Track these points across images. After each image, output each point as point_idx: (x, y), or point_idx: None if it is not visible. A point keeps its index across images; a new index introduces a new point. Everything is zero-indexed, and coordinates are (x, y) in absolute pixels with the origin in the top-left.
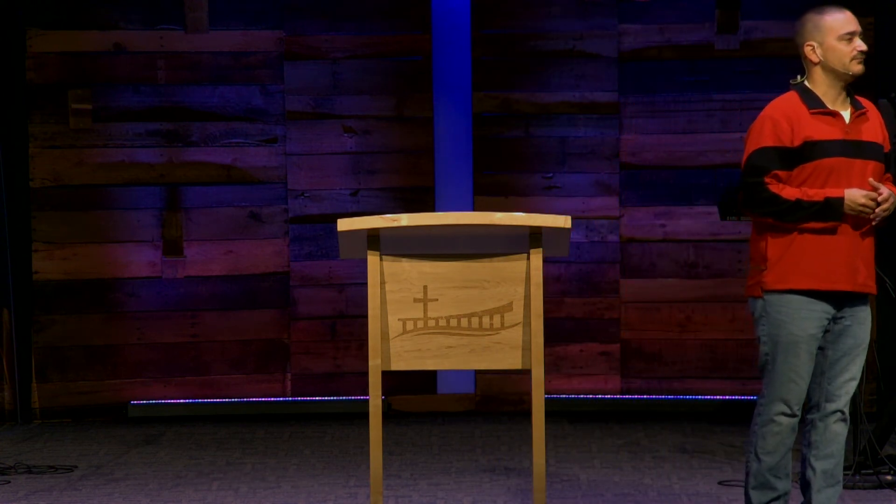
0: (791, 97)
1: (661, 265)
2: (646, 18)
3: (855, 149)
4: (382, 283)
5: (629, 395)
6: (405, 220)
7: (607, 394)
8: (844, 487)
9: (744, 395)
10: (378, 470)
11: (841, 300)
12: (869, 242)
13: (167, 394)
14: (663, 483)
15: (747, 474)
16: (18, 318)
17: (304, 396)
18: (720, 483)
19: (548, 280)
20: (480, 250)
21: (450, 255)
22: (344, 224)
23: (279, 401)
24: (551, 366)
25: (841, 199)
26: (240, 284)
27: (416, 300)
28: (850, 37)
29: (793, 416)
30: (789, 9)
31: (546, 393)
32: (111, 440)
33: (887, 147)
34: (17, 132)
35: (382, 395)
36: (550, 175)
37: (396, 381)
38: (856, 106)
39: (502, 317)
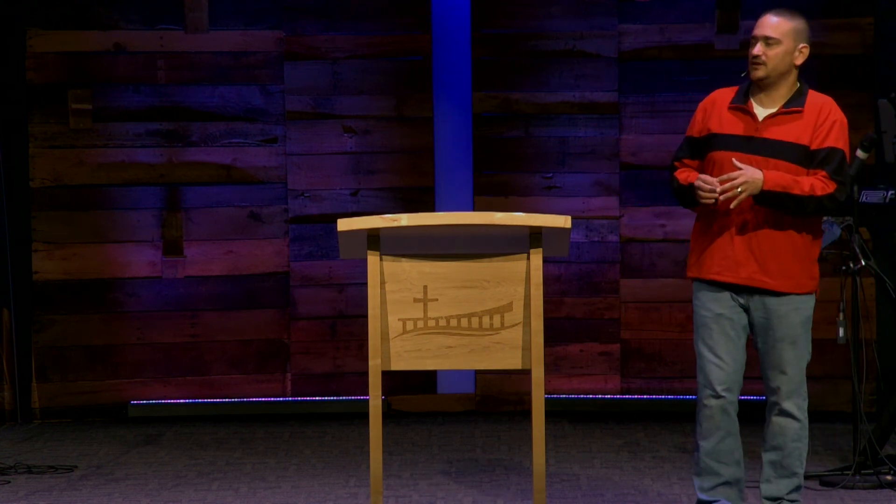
0: (729, 90)
1: (661, 265)
2: (646, 18)
3: (759, 146)
4: (382, 283)
5: (629, 395)
6: (405, 220)
7: (607, 394)
8: (844, 487)
9: (743, 395)
10: (378, 470)
11: (743, 291)
12: (771, 237)
13: (167, 394)
14: (663, 483)
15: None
16: (18, 318)
17: (304, 396)
18: None
19: (548, 280)
20: (480, 250)
21: (450, 255)
22: (344, 224)
23: (279, 401)
24: (551, 366)
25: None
26: (240, 284)
27: (416, 300)
28: (754, 41)
29: (718, 397)
30: (789, 9)
31: (546, 393)
32: (111, 440)
33: (816, 146)
34: (17, 132)
35: (382, 395)
36: (550, 175)
37: (396, 381)
38: (792, 105)
39: (502, 317)
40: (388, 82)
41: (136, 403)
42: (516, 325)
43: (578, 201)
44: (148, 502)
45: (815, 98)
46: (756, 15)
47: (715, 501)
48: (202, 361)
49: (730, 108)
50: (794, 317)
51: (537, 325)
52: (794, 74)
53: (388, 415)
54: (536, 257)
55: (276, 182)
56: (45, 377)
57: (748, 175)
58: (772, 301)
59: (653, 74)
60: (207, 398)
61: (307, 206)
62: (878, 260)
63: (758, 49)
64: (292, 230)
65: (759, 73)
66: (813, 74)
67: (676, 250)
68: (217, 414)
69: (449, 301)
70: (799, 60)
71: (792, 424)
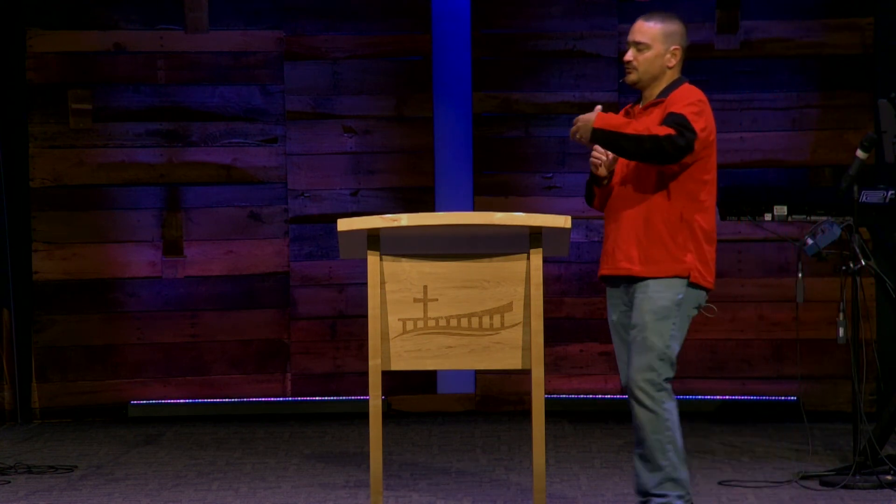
0: None
1: None
2: None
3: None
4: (382, 283)
5: None
6: (405, 220)
7: (607, 394)
8: (844, 487)
9: (744, 395)
10: (378, 470)
11: (621, 282)
12: (635, 224)
13: (167, 394)
14: None
15: None
16: (18, 318)
17: (304, 396)
18: (720, 483)
19: (548, 280)
20: (480, 250)
21: (450, 255)
22: (344, 224)
23: (279, 401)
24: (551, 366)
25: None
26: (240, 284)
27: (416, 300)
28: (627, 46)
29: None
30: (789, 9)
31: (546, 393)
32: (111, 440)
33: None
34: (17, 132)
35: (382, 395)
36: (550, 175)
37: (396, 381)
38: (660, 97)
39: (502, 317)
40: (388, 82)
41: (136, 403)
42: (516, 325)
43: (578, 201)
44: (148, 502)
45: (681, 89)
46: (756, 15)
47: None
48: (202, 361)
49: (629, 109)
50: (648, 303)
51: (537, 325)
52: (668, 76)
53: (388, 415)
54: (536, 257)
55: (276, 182)
56: (45, 377)
57: (582, 118)
58: (635, 287)
59: None
60: (207, 398)
61: (307, 206)
62: (878, 260)
63: (629, 55)
64: (292, 230)
65: (632, 77)
66: (813, 74)
67: None
68: (217, 414)
69: (449, 301)
70: (671, 63)
71: (646, 415)
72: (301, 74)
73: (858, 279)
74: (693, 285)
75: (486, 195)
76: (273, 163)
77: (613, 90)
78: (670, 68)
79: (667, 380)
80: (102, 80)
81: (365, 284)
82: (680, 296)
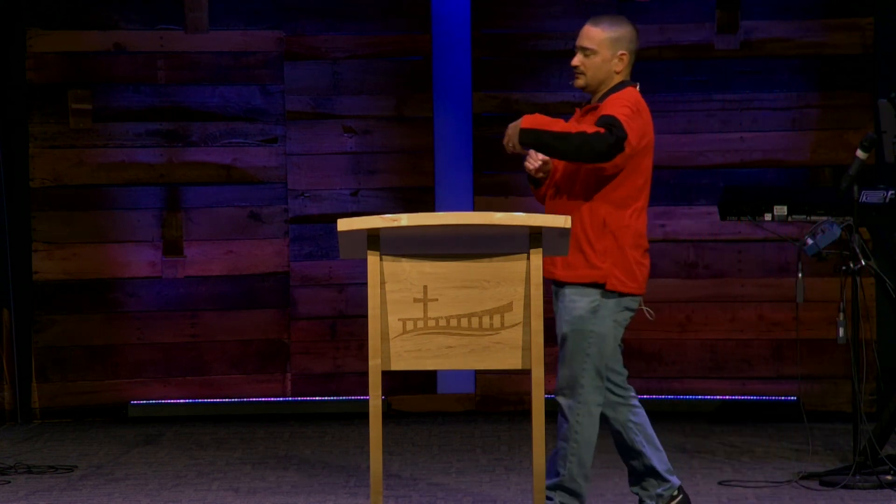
0: None
1: (661, 265)
2: (646, 18)
3: None
4: (382, 283)
5: None
6: (405, 220)
7: None
8: (844, 487)
9: (744, 395)
10: (378, 470)
11: (554, 287)
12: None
13: (167, 394)
14: None
15: None
16: (18, 318)
17: (304, 396)
18: (720, 483)
19: (548, 280)
20: (480, 250)
21: (450, 255)
22: (344, 224)
23: (279, 401)
24: (551, 366)
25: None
26: (240, 284)
27: (416, 300)
28: (575, 51)
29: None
30: (789, 9)
31: (546, 393)
32: (111, 440)
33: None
34: (17, 132)
35: (382, 395)
36: None
37: (396, 381)
38: (600, 100)
39: (502, 317)
40: (388, 82)
41: (136, 403)
42: (516, 325)
43: None
44: (148, 502)
45: (620, 93)
46: (756, 15)
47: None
48: (202, 361)
49: (578, 109)
50: (566, 313)
51: (537, 325)
52: (616, 80)
53: (388, 415)
54: (536, 257)
55: (276, 182)
56: (45, 377)
57: (512, 124)
58: (557, 291)
59: (652, 74)
60: (207, 398)
61: (307, 206)
62: (878, 260)
63: (576, 60)
64: (292, 230)
65: (580, 81)
66: (813, 74)
67: (676, 250)
68: (217, 414)
69: (449, 301)
70: (618, 67)
71: (561, 421)
72: (301, 74)
73: (858, 279)
74: (611, 293)
75: (486, 195)
76: (273, 163)
77: None
78: (618, 73)
79: (585, 393)
80: (102, 80)
81: (365, 284)
82: (595, 303)
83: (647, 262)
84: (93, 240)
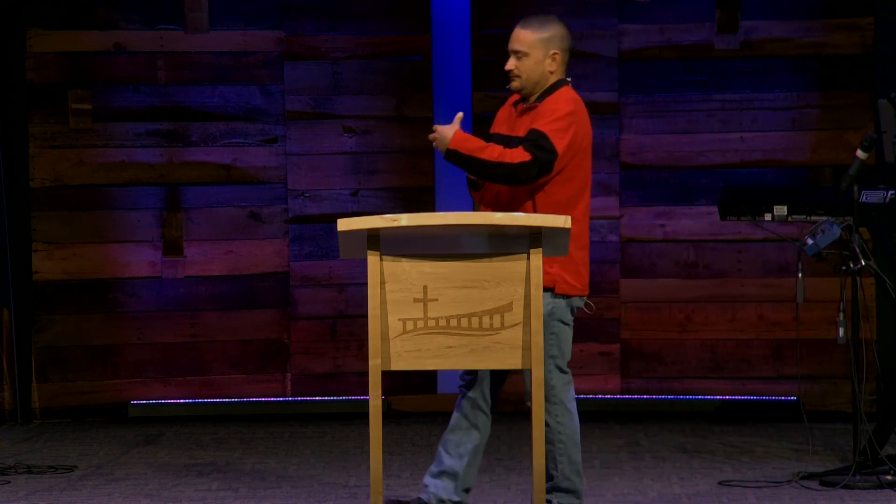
0: None
1: (661, 265)
2: (646, 18)
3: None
4: (382, 283)
5: (629, 395)
6: (405, 220)
7: (607, 394)
8: (844, 487)
9: (744, 395)
10: (378, 470)
11: None
12: None
13: (167, 394)
14: (663, 483)
15: None
16: (18, 318)
17: (304, 396)
18: (720, 483)
19: None
20: (480, 250)
21: (450, 255)
22: (344, 224)
23: (279, 401)
24: None
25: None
26: (240, 284)
27: (416, 300)
28: (508, 54)
29: (460, 386)
30: (789, 9)
31: None
32: (111, 440)
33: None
34: (17, 132)
35: (382, 395)
36: None
37: (396, 381)
38: (535, 102)
39: (502, 317)
40: (388, 82)
41: (136, 403)
42: (516, 325)
43: None
44: (148, 502)
45: (556, 95)
46: (756, 15)
47: (426, 486)
48: (202, 361)
49: (511, 107)
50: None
51: (537, 325)
52: (551, 80)
53: (388, 415)
54: (536, 257)
55: (276, 182)
56: (45, 377)
57: (441, 131)
58: None
59: (652, 74)
60: (207, 398)
61: (307, 206)
62: (878, 260)
63: (509, 64)
64: (292, 230)
65: (515, 84)
66: (813, 74)
67: (676, 250)
68: (217, 414)
69: (449, 301)
70: (552, 67)
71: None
72: (301, 74)
73: (858, 279)
74: (561, 296)
75: None
76: (273, 163)
77: (613, 90)
78: (552, 72)
79: (558, 393)
80: (102, 80)
81: (365, 284)
82: (548, 307)
83: (588, 260)
84: (93, 240)
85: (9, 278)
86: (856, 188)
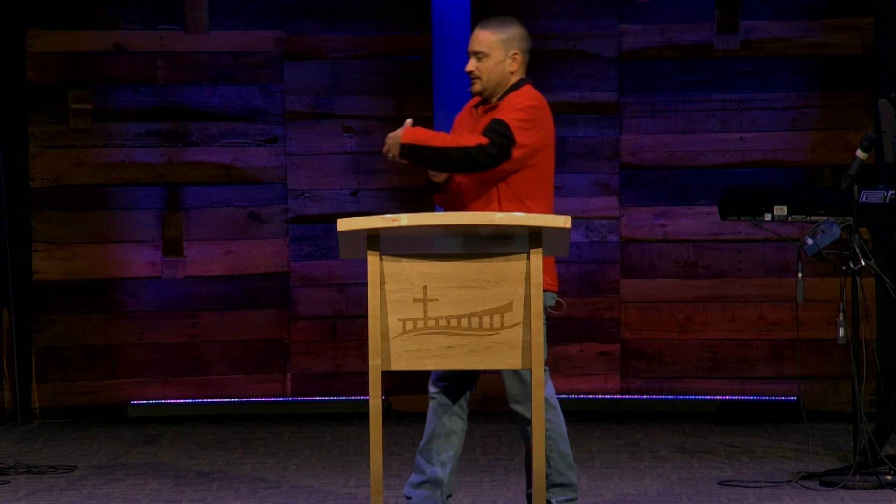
0: None
1: (661, 265)
2: (646, 18)
3: None
4: (382, 283)
5: (629, 395)
6: (405, 220)
7: (607, 394)
8: (844, 487)
9: (744, 395)
10: (378, 470)
11: None
12: None
13: (167, 394)
14: (663, 483)
15: None
16: (18, 318)
17: (304, 396)
18: (720, 483)
19: None
20: (480, 250)
21: (450, 255)
22: (344, 224)
23: (279, 401)
24: (551, 366)
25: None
26: (240, 284)
27: (416, 300)
28: (469, 56)
29: (432, 394)
30: (789, 9)
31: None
32: (111, 440)
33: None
34: (17, 132)
35: (382, 395)
36: None
37: (396, 381)
38: (497, 100)
39: (502, 317)
40: (388, 82)
41: (136, 403)
42: (516, 325)
43: (578, 201)
44: (148, 502)
45: (518, 92)
46: (756, 15)
47: (409, 498)
48: (202, 361)
49: (472, 108)
50: None
51: (537, 324)
52: (512, 80)
53: (388, 415)
54: (536, 257)
55: (276, 182)
56: (45, 377)
57: (392, 135)
58: None
59: (653, 74)
60: (207, 398)
61: (307, 206)
62: (878, 260)
63: (469, 65)
64: (292, 230)
65: (476, 87)
66: (813, 74)
67: (676, 250)
68: (217, 414)
69: (449, 301)
70: (513, 67)
71: (524, 427)
72: (301, 74)
73: (858, 279)
74: None
75: None
76: (273, 163)
77: (614, 90)
78: (513, 73)
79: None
80: (102, 80)
81: (365, 284)
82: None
83: (555, 258)
84: (93, 240)
85: (9, 278)
86: (856, 188)
